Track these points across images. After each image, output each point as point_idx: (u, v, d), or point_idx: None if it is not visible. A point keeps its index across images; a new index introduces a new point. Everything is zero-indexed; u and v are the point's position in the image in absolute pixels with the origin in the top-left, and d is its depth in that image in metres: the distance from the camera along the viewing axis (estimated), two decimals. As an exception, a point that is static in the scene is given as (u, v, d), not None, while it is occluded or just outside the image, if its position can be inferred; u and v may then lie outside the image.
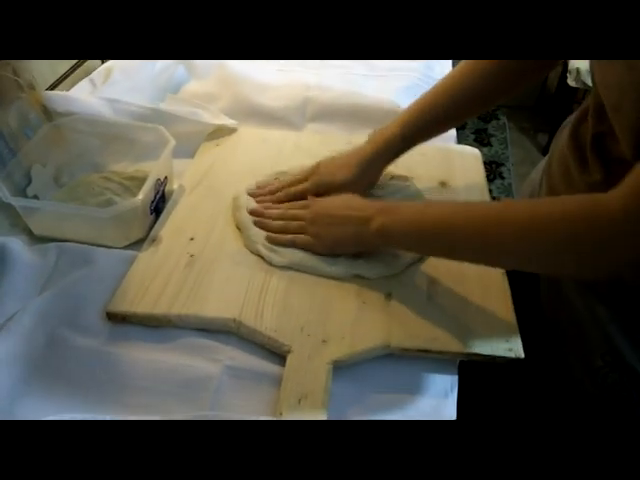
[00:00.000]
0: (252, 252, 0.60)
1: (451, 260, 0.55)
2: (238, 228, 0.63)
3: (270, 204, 0.65)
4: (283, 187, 0.67)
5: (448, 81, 0.63)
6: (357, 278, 0.57)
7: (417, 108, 0.64)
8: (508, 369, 0.52)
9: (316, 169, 0.66)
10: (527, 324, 0.65)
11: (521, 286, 0.68)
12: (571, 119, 0.62)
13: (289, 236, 0.60)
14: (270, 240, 0.60)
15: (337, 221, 0.58)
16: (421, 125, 0.63)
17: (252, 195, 0.67)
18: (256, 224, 0.62)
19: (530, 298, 0.67)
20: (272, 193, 0.67)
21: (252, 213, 0.63)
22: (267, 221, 0.62)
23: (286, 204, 0.64)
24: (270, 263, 0.58)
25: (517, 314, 0.54)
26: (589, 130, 0.55)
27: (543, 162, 0.72)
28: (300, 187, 0.66)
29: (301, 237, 0.59)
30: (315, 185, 0.65)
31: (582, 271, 0.47)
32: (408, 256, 0.58)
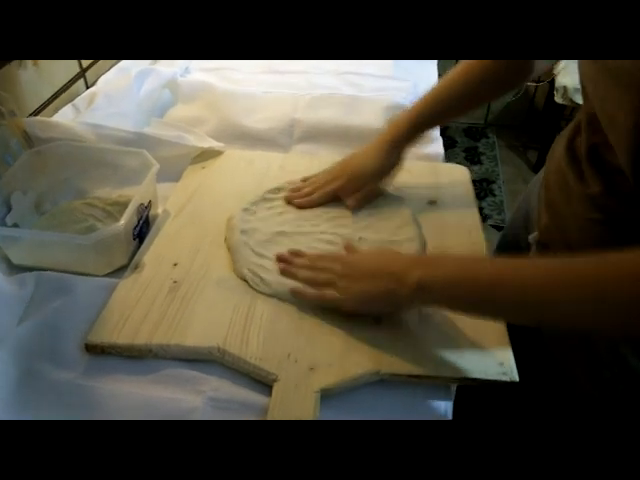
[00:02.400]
0: (239, 276, 0.59)
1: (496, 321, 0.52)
2: (228, 249, 0.62)
3: (296, 252, 0.60)
4: (316, 189, 0.69)
5: (447, 82, 0.67)
6: None
7: (425, 99, 0.68)
8: (506, 390, 0.50)
9: (344, 167, 0.69)
10: (526, 343, 0.64)
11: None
12: (565, 132, 0.62)
13: (315, 292, 0.54)
14: (295, 294, 0.55)
15: (369, 275, 0.52)
16: (430, 115, 0.68)
17: (288, 199, 0.69)
18: (283, 272, 0.57)
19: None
20: (308, 194, 0.68)
21: (279, 259, 0.59)
22: (295, 271, 0.57)
23: (315, 255, 0.59)
24: (255, 289, 0.57)
25: (514, 334, 0.53)
26: (584, 142, 0.55)
27: (537, 177, 0.71)
28: (334, 185, 0.68)
29: (330, 293, 0.53)
30: (348, 180, 0.67)
31: None
32: None
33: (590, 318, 0.42)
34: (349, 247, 0.60)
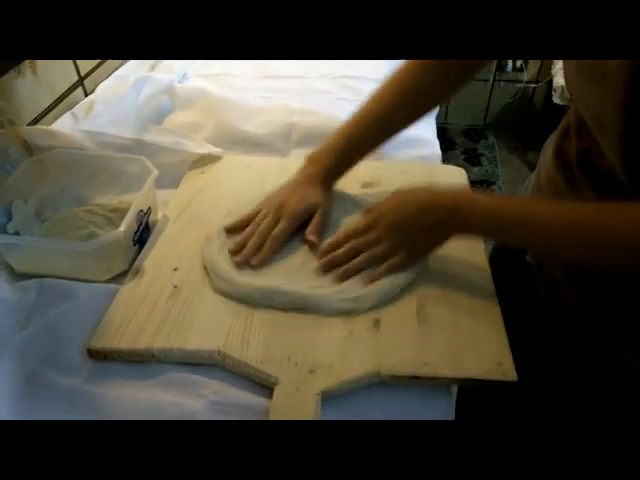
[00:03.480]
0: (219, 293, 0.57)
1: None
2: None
3: (326, 246, 0.59)
4: (262, 236, 0.61)
5: (383, 89, 0.66)
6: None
7: (355, 121, 0.66)
8: (505, 390, 0.51)
9: (278, 208, 0.62)
10: (528, 342, 0.64)
11: (520, 303, 0.67)
12: (553, 137, 0.62)
13: (384, 266, 0.56)
14: (369, 281, 0.55)
15: (420, 231, 0.56)
16: (365, 136, 0.66)
17: (239, 261, 0.59)
18: (342, 277, 0.56)
19: (530, 316, 0.66)
20: (257, 246, 0.60)
21: (325, 267, 0.57)
22: (352, 265, 0.57)
23: (345, 233, 0.59)
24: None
25: (517, 332, 0.53)
26: (573, 147, 0.55)
27: (529, 180, 0.72)
28: (280, 230, 0.61)
29: (397, 259, 0.56)
30: (292, 219, 0.62)
31: None
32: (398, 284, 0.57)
33: (597, 261, 0.47)
34: (368, 210, 0.60)
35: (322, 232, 0.63)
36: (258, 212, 0.64)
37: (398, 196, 0.59)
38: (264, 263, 0.59)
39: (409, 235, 0.56)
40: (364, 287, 0.55)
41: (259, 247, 0.60)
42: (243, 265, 0.59)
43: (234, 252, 0.60)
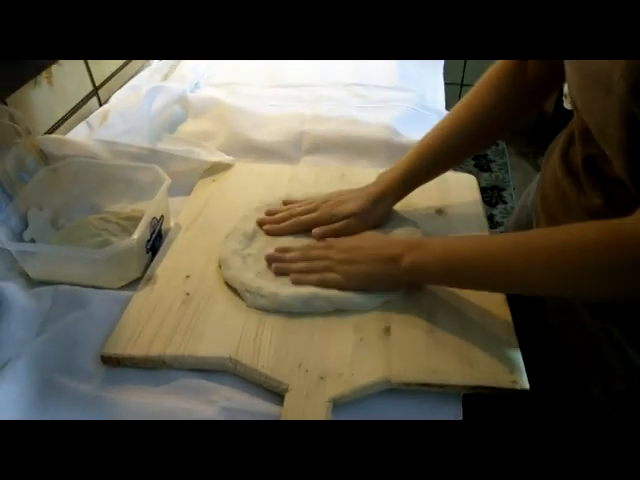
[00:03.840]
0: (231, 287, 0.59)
1: (481, 291, 0.56)
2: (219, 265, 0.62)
3: (284, 247, 0.62)
4: (291, 215, 0.67)
5: (446, 123, 0.66)
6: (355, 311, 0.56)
7: (417, 152, 0.66)
8: (516, 398, 0.51)
9: (326, 201, 0.67)
10: (537, 351, 0.64)
11: (527, 312, 0.67)
12: (558, 143, 0.62)
13: (316, 275, 0.58)
14: (296, 281, 0.58)
15: (366, 259, 0.57)
16: (422, 167, 0.66)
17: (260, 222, 0.67)
18: (276, 270, 0.59)
19: (537, 324, 0.65)
20: (281, 220, 0.67)
21: (269, 259, 0.61)
22: (287, 265, 0.60)
23: (305, 246, 0.62)
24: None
25: (525, 342, 0.53)
26: (579, 153, 0.54)
27: (532, 186, 0.71)
28: (310, 217, 0.66)
29: (331, 276, 0.57)
30: (324, 216, 0.65)
31: (612, 297, 0.48)
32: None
33: (557, 286, 0.48)
34: (325, 236, 0.63)
35: (331, 236, 0.64)
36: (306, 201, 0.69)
37: (369, 235, 0.62)
38: (275, 233, 0.65)
39: (355, 260, 0.58)
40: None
41: (283, 221, 0.66)
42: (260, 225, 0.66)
43: (260, 220, 0.67)
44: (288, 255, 0.61)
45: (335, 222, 0.65)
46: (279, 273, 0.59)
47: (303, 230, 0.66)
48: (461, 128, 0.65)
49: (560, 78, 0.60)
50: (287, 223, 0.66)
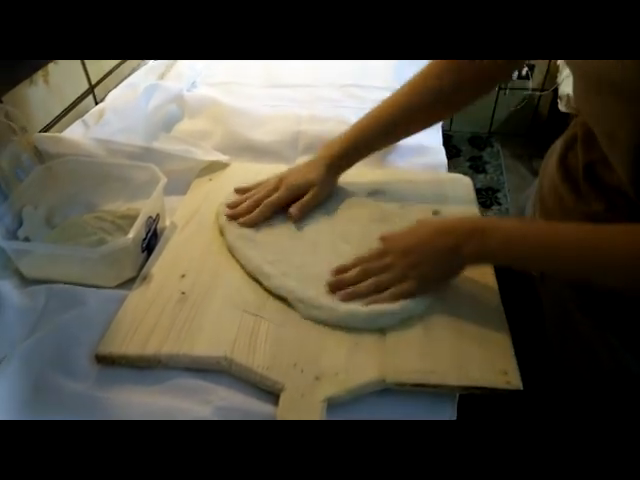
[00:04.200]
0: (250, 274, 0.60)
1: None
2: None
3: (339, 268, 0.59)
4: (258, 200, 0.67)
5: (393, 97, 0.68)
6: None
7: (365, 121, 0.69)
8: (510, 399, 0.51)
9: (280, 180, 0.69)
10: (534, 354, 0.64)
11: (525, 315, 0.67)
12: (556, 146, 0.62)
13: (390, 291, 0.55)
14: (373, 303, 0.54)
15: (429, 257, 0.55)
16: (371, 135, 0.69)
17: (231, 216, 0.67)
18: (345, 299, 0.55)
19: (534, 327, 0.66)
20: (249, 211, 0.67)
21: (333, 287, 0.57)
22: (356, 289, 0.56)
23: (358, 259, 0.59)
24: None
25: (522, 344, 0.53)
26: (580, 159, 0.55)
27: (531, 189, 0.72)
28: (275, 197, 0.67)
29: (405, 286, 0.55)
30: (288, 190, 0.67)
31: None
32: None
33: (626, 284, 0.46)
34: (384, 236, 0.60)
35: (307, 211, 0.67)
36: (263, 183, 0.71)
37: (415, 225, 0.58)
38: (251, 224, 0.66)
39: (421, 261, 0.55)
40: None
41: (251, 210, 0.66)
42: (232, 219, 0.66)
43: (229, 208, 0.68)
44: (348, 276, 0.57)
45: (298, 196, 0.67)
46: (350, 299, 0.55)
47: (273, 213, 0.67)
48: (408, 103, 0.67)
49: (510, 70, 0.62)
50: (259, 210, 0.66)
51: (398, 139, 0.74)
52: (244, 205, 0.67)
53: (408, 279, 0.55)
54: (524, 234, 0.51)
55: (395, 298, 0.54)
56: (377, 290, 0.55)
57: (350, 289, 0.56)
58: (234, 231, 0.65)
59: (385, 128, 0.68)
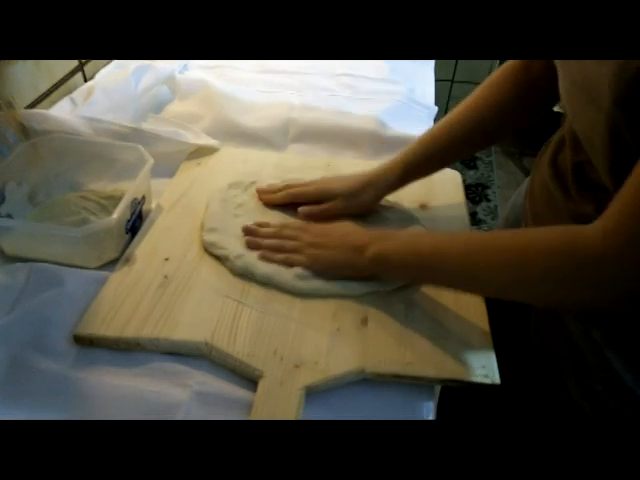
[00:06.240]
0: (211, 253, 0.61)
1: (441, 288, 0.56)
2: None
3: (262, 222, 0.65)
4: (286, 187, 0.69)
5: (448, 119, 0.66)
6: (334, 299, 0.56)
7: (419, 144, 0.66)
8: (491, 394, 0.51)
9: (320, 180, 0.69)
10: (518, 350, 0.65)
11: (510, 309, 0.67)
12: (548, 147, 0.62)
13: (283, 255, 0.60)
14: (263, 258, 0.59)
15: (333, 245, 0.59)
16: (421, 160, 0.66)
17: (259, 191, 0.70)
18: (248, 243, 0.61)
19: (520, 322, 0.66)
20: (275, 191, 0.69)
21: (246, 231, 0.63)
22: (260, 240, 0.62)
23: (281, 224, 0.64)
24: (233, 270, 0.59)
25: (506, 340, 0.53)
26: (568, 160, 0.55)
27: (522, 187, 0.72)
28: (300, 189, 0.68)
29: (297, 258, 0.59)
30: (315, 190, 0.67)
31: (566, 303, 0.48)
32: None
33: (511, 285, 0.48)
34: (311, 216, 0.64)
35: (316, 218, 0.65)
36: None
37: (342, 223, 0.62)
38: (266, 201, 0.69)
39: (324, 244, 0.59)
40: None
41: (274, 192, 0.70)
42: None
43: (258, 189, 0.71)
44: (262, 230, 0.63)
45: (324, 199, 0.66)
46: (250, 246, 0.61)
47: (292, 202, 0.67)
48: (464, 124, 0.65)
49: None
50: (279, 194, 0.69)
51: (452, 162, 0.71)
52: (275, 187, 0.70)
53: (303, 254, 0.59)
54: (419, 242, 0.54)
55: (283, 263, 0.59)
56: (271, 249, 0.60)
57: (255, 238, 0.62)
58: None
59: (441, 153, 0.66)
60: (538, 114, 0.68)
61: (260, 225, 0.64)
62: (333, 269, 0.58)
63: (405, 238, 0.56)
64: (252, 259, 0.59)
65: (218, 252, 0.61)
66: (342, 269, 0.58)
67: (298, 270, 0.58)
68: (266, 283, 0.58)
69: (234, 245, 0.61)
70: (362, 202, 0.66)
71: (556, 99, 0.62)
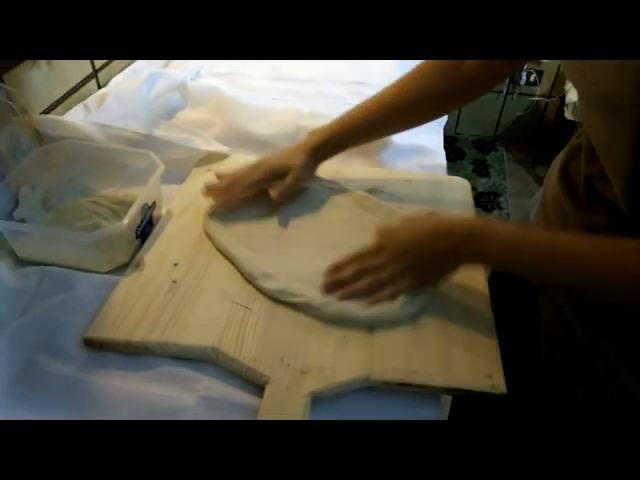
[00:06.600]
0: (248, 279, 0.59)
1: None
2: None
3: (333, 267, 0.56)
4: (236, 180, 0.67)
5: (379, 96, 0.68)
6: None
7: (351, 114, 0.69)
8: (499, 404, 0.51)
9: (260, 163, 0.68)
10: (526, 359, 0.64)
11: (522, 320, 0.67)
12: (560, 156, 0.62)
13: (389, 290, 0.54)
14: (373, 302, 0.54)
15: (428, 258, 0.54)
16: (353, 130, 0.69)
17: (209, 188, 0.67)
18: (344, 297, 0.54)
19: (530, 332, 0.66)
20: (227, 188, 0.67)
21: (329, 287, 0.55)
22: (352, 288, 0.54)
23: (352, 256, 0.56)
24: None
25: (517, 349, 0.53)
26: (581, 171, 0.54)
27: (537, 196, 0.71)
28: (254, 176, 0.67)
29: (404, 284, 0.54)
30: (266, 172, 0.67)
31: None
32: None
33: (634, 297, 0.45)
34: (380, 231, 0.57)
35: (289, 196, 0.68)
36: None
37: (411, 220, 0.57)
38: (228, 205, 0.67)
39: (418, 261, 0.54)
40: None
41: (228, 187, 0.67)
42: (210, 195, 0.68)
43: (208, 187, 0.68)
44: (344, 275, 0.55)
45: (277, 178, 0.67)
46: (347, 299, 0.54)
47: (253, 192, 0.68)
48: (394, 102, 0.67)
49: (494, 82, 0.65)
50: (237, 188, 0.67)
51: (381, 136, 0.76)
52: (221, 183, 0.68)
53: (405, 278, 0.54)
54: (525, 240, 0.50)
55: (392, 298, 0.54)
56: (372, 290, 0.54)
57: (347, 289, 0.54)
58: (225, 237, 0.64)
59: (370, 124, 0.69)
60: (465, 104, 0.71)
61: (334, 271, 0.56)
62: (439, 280, 0.56)
63: (503, 235, 0.51)
64: (342, 304, 0.54)
65: (294, 300, 0.56)
66: (444, 277, 0.55)
67: (403, 298, 0.55)
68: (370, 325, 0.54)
69: (308, 290, 0.56)
70: (312, 170, 0.70)
71: (485, 93, 0.66)
